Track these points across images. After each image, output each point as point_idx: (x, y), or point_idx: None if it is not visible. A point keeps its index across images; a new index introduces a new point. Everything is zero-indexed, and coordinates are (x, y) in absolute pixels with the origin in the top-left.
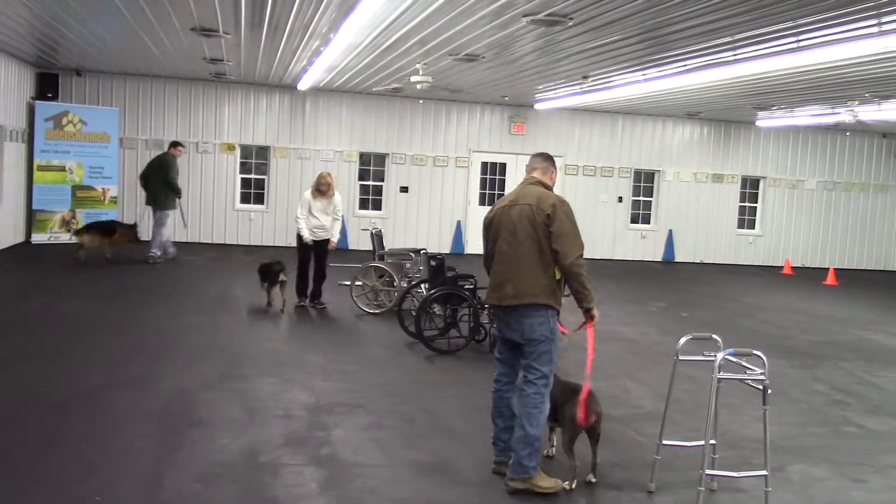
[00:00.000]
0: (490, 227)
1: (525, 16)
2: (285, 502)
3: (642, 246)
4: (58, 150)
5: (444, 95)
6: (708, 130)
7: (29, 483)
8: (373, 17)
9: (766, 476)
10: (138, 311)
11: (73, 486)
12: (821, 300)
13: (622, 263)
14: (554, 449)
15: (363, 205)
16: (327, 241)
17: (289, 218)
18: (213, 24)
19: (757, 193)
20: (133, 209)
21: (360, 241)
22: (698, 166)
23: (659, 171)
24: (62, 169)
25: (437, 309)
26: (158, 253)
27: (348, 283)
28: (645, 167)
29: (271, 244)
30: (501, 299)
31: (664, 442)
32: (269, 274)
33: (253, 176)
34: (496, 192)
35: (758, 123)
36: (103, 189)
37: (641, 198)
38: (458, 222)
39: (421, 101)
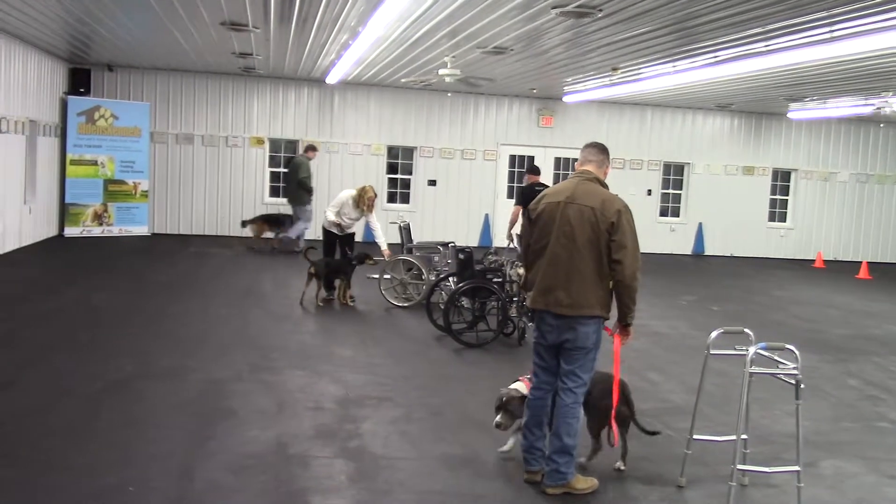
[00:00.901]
0: (536, 222)
1: (554, 7)
2: (315, 494)
3: (672, 239)
4: (90, 144)
5: (473, 88)
6: (739, 122)
7: (64, 471)
8: (401, 11)
9: (798, 471)
10: (169, 304)
11: (107, 476)
12: (853, 294)
13: (651, 257)
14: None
15: (391, 198)
16: (353, 234)
17: (318, 211)
18: (242, 18)
19: (788, 186)
20: (164, 203)
21: (387, 235)
22: (729, 159)
23: (689, 163)
24: (94, 163)
25: (465, 302)
26: (293, 237)
27: (377, 276)
28: (674, 160)
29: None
30: (551, 305)
31: (694, 436)
32: (340, 270)
33: (281, 169)
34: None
35: (789, 115)
36: (134, 183)
37: (671, 191)
38: (486, 215)
39: (449, 95)
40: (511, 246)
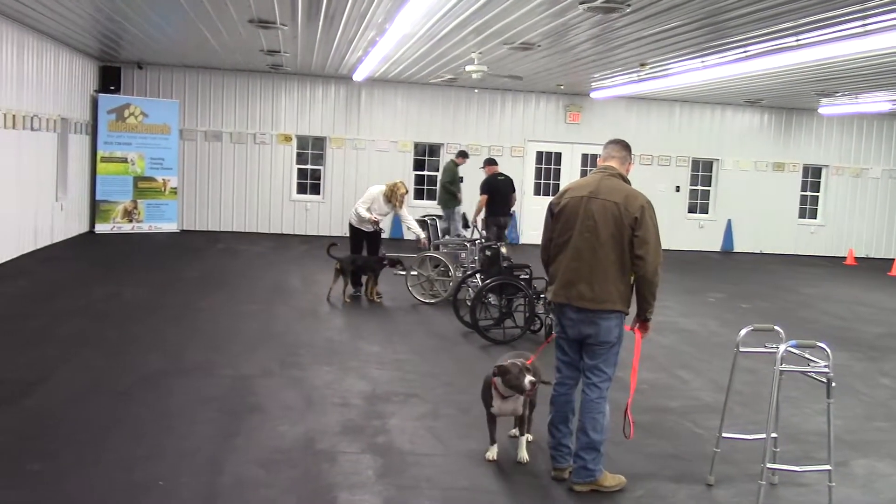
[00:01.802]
0: (559, 216)
1: (582, 3)
2: (342, 489)
3: (700, 236)
4: (120, 141)
5: (500, 84)
6: (768, 118)
7: (95, 466)
8: (428, 7)
9: (829, 471)
10: (198, 300)
11: (137, 470)
12: (886, 291)
13: (679, 254)
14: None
15: (418, 195)
16: (378, 233)
17: (345, 208)
18: (270, 15)
19: (819, 182)
20: (193, 200)
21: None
22: (758, 155)
23: (717, 159)
24: (124, 160)
25: (492, 299)
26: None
27: (403, 272)
28: (703, 156)
29: (327, 234)
30: (573, 299)
31: (724, 434)
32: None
33: (309, 166)
34: (551, 181)
35: (820, 111)
36: (164, 180)
37: (699, 187)
38: (513, 212)
39: (476, 91)
40: (479, 232)
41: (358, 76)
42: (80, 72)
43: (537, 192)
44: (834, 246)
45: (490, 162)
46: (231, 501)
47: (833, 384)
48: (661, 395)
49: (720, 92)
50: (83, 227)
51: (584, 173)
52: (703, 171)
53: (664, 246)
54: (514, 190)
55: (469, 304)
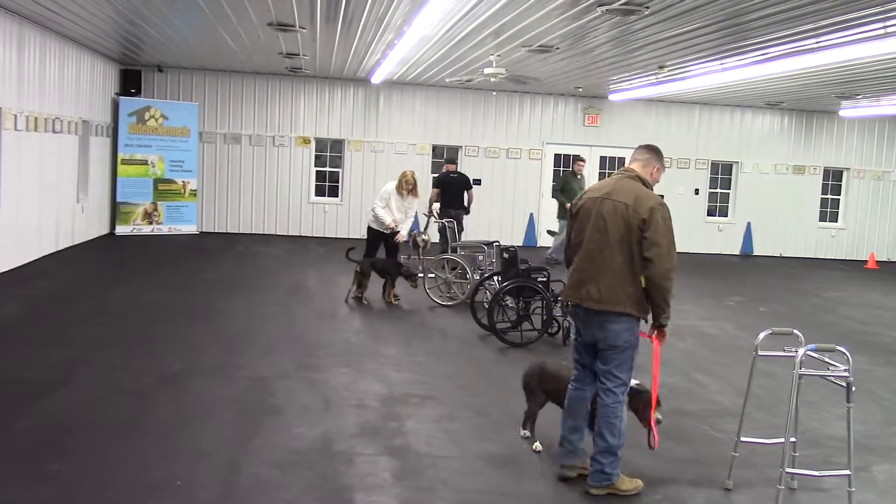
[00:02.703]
0: (577, 217)
1: (600, 5)
2: (359, 491)
3: (719, 239)
4: (140, 144)
5: (518, 87)
6: (789, 121)
7: (114, 465)
8: (446, 9)
9: (849, 476)
10: (216, 301)
11: (155, 470)
12: None
13: (698, 257)
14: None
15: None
16: (396, 233)
17: (363, 210)
18: (289, 18)
19: (840, 185)
20: (212, 202)
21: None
22: (778, 157)
23: (737, 162)
24: (144, 162)
25: (509, 301)
26: (554, 256)
27: (421, 275)
28: (722, 159)
29: (345, 236)
30: (583, 299)
31: (742, 438)
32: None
33: (327, 169)
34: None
35: (841, 113)
36: (183, 182)
37: (719, 190)
38: (531, 215)
39: (494, 93)
40: (435, 219)
41: (376, 79)
42: (102, 75)
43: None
44: (855, 249)
45: (448, 161)
46: (247, 502)
47: (853, 388)
48: (680, 398)
49: (740, 94)
50: (104, 229)
51: (602, 176)
52: (722, 173)
53: (682, 249)
54: (469, 187)
55: (486, 306)
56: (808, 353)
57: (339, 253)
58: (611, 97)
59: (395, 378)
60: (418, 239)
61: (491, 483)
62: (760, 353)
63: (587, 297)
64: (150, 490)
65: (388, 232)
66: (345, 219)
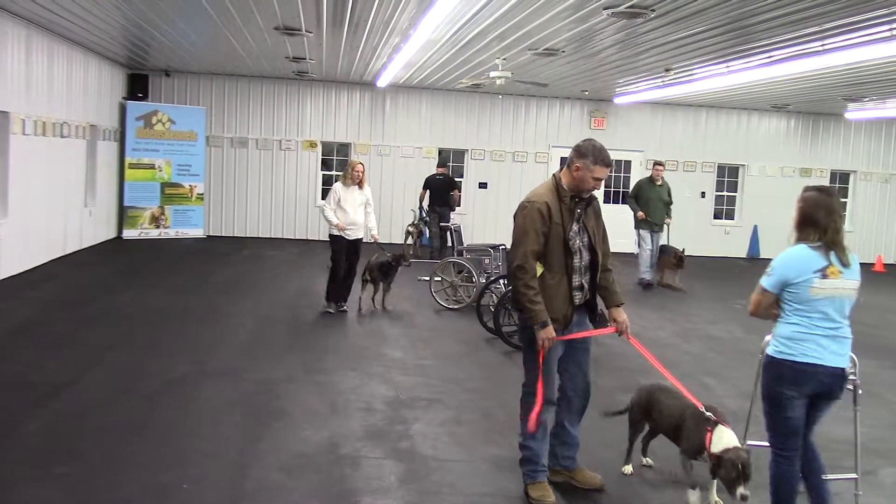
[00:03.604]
0: None
1: (606, 8)
2: (365, 494)
3: (726, 242)
4: (148, 148)
5: (524, 90)
6: (795, 123)
7: (121, 468)
8: (452, 13)
9: (856, 479)
10: (223, 305)
11: (162, 473)
12: None
13: (705, 260)
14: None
15: None
16: (360, 240)
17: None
18: (295, 23)
19: (847, 188)
20: (219, 205)
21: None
22: (785, 160)
23: (744, 165)
24: (152, 167)
25: None
26: (647, 277)
27: (427, 278)
28: (729, 161)
29: None
30: None
31: (748, 442)
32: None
33: (334, 172)
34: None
35: (847, 115)
36: (190, 186)
37: (725, 193)
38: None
39: (500, 97)
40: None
41: (382, 82)
42: (109, 79)
43: None
44: (862, 252)
45: (440, 164)
46: None
47: (860, 391)
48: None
49: (746, 97)
50: (111, 233)
51: (608, 179)
52: (728, 176)
53: (689, 252)
54: (453, 188)
55: (492, 309)
56: None
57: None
58: (617, 100)
59: (401, 381)
60: (410, 227)
61: (497, 486)
62: None
63: None
64: (158, 493)
65: (349, 237)
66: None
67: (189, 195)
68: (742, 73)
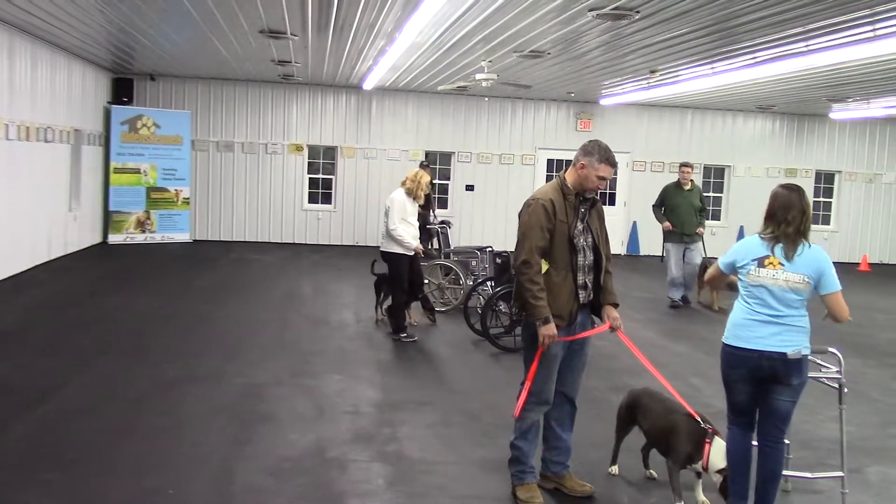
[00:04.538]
0: None
1: (591, 10)
2: (353, 497)
3: (712, 243)
4: (133, 152)
5: (510, 93)
6: (780, 124)
7: (107, 473)
8: (437, 15)
9: (842, 477)
10: (210, 309)
11: (148, 478)
12: None
13: None
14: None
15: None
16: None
17: (356, 217)
18: (280, 26)
19: (832, 188)
20: (205, 210)
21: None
22: (770, 161)
23: (730, 166)
24: (137, 171)
25: (502, 306)
26: (676, 297)
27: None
28: (715, 162)
29: (339, 243)
30: None
31: None
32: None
33: (320, 176)
34: None
35: (832, 116)
36: (176, 190)
37: (711, 193)
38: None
39: (486, 99)
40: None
41: (368, 85)
42: (93, 83)
43: None
44: (847, 252)
45: (423, 165)
46: None
47: (845, 390)
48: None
49: (731, 98)
50: (96, 238)
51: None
52: (714, 177)
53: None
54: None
55: (480, 311)
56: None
57: (332, 260)
58: (603, 102)
59: (388, 384)
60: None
61: (485, 488)
62: None
63: None
64: (144, 498)
65: (413, 254)
66: (338, 226)
67: (175, 199)
68: (727, 74)
